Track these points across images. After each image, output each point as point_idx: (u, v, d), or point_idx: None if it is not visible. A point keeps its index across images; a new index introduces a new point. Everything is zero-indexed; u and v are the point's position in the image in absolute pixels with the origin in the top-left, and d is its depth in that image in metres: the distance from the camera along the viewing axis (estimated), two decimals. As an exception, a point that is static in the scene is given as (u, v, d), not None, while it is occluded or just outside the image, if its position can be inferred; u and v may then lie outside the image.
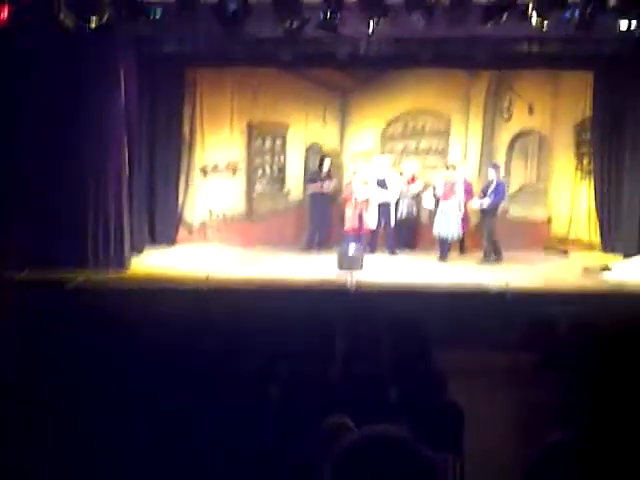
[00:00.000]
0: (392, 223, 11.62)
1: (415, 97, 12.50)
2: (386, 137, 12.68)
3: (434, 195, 11.34)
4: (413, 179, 12.06)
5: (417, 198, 12.13)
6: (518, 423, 5.40)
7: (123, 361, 5.01)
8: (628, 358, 5.60)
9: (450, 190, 11.07)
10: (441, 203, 11.16)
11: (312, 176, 12.03)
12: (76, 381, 4.55)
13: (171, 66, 11.68)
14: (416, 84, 12.37)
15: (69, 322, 6.23)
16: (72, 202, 9.97)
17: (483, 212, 11.02)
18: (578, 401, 4.80)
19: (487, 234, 10.99)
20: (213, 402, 4.27)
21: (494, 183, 10.98)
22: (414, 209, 12.09)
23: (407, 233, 12.14)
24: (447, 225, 11.03)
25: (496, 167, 11.27)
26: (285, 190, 12.78)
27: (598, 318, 6.94)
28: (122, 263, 10.14)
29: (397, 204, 11.83)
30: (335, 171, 12.04)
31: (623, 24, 8.36)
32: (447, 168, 11.34)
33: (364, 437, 2.02)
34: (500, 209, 11.79)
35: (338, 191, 12.06)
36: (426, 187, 11.94)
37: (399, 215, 11.87)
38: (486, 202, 10.91)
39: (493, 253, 10.96)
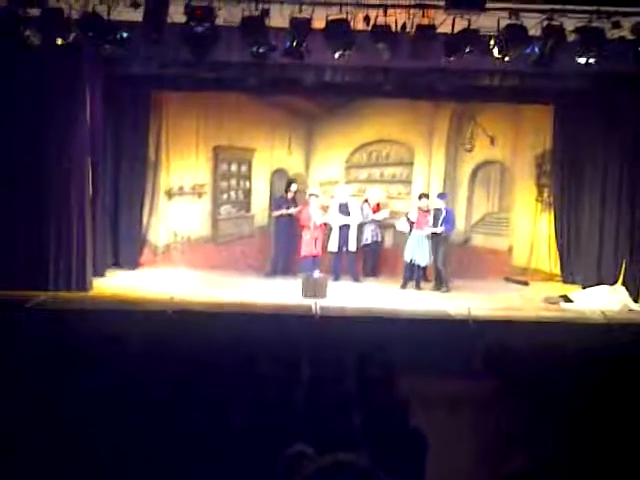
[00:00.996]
0: (353, 248, 11.67)
1: (379, 126, 12.65)
2: (350, 165, 12.80)
3: (407, 220, 11.44)
4: (378, 207, 12.15)
5: (382, 225, 12.21)
6: (481, 450, 5.42)
7: (83, 381, 4.93)
8: (588, 385, 5.68)
9: (424, 218, 11.19)
10: (414, 231, 11.25)
11: (278, 201, 12.06)
12: (36, 401, 4.47)
13: (137, 88, 11.67)
14: (380, 114, 12.53)
15: (28, 341, 6.12)
16: (34, 223, 9.84)
17: (435, 242, 11.12)
18: (539, 428, 4.85)
19: (440, 262, 11.11)
20: (174, 426, 4.22)
21: (443, 212, 11.13)
22: (379, 236, 12.17)
23: (372, 260, 12.21)
24: (421, 252, 11.12)
25: (444, 196, 11.45)
26: (250, 215, 12.80)
27: (558, 346, 7.04)
28: (84, 286, 10.01)
29: (362, 231, 11.91)
30: (300, 197, 12.09)
31: (581, 59, 8.60)
32: (420, 197, 11.45)
33: (324, 466, 2.02)
34: (462, 238, 11.93)
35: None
36: (392, 215, 12.05)
37: (364, 241, 11.94)
38: (440, 229, 11.03)
39: (443, 284, 11.06)
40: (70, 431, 4.15)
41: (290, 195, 11.87)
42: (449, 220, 11.16)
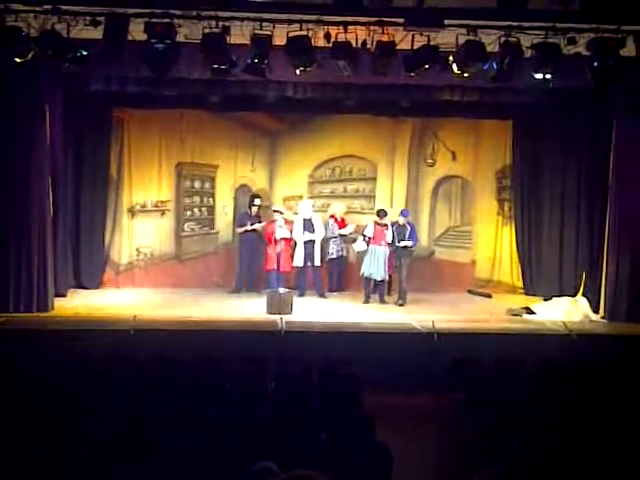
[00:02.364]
0: (318, 263, 11.69)
1: (342, 142, 12.73)
2: (314, 180, 12.84)
3: (364, 238, 11.48)
4: (344, 221, 12.19)
5: (346, 240, 12.23)
6: (445, 463, 5.45)
7: (46, 400, 4.86)
8: (550, 396, 5.75)
9: (381, 233, 11.25)
10: (371, 246, 11.31)
11: (242, 217, 12.02)
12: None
13: (98, 105, 11.55)
14: (343, 129, 12.62)
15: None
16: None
17: (402, 255, 11.22)
18: (503, 441, 4.88)
19: (404, 276, 11.20)
20: (138, 445, 4.18)
21: (408, 228, 11.27)
22: (344, 250, 12.18)
23: (337, 274, 12.24)
24: (377, 267, 11.18)
25: (407, 213, 11.58)
26: (214, 231, 12.74)
27: (521, 358, 7.11)
28: (45, 306, 9.83)
29: (328, 246, 11.95)
30: (264, 213, 12.07)
31: (538, 75, 8.77)
32: (378, 213, 11.51)
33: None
34: (426, 251, 12.05)
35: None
36: (357, 230, 12.09)
37: (329, 256, 11.99)
38: (409, 242, 11.15)
39: (403, 296, 11.19)
40: (34, 451, 4.09)
41: (254, 210, 11.84)
42: (413, 235, 11.30)
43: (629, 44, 8.61)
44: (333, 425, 4.99)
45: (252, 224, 11.78)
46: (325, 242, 11.98)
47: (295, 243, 11.70)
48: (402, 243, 11.15)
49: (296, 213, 12.07)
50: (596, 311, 10.44)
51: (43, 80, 9.65)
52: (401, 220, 11.34)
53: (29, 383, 5.43)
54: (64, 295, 10.90)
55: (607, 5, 8.15)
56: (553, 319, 10.10)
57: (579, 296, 10.86)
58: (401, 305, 11.06)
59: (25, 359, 6.34)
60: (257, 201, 11.89)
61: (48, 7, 8.16)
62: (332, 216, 12.23)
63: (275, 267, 11.35)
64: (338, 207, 12.37)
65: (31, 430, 4.34)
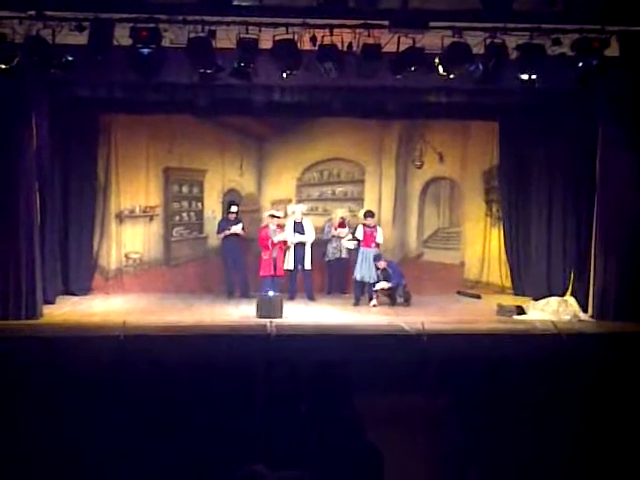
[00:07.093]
0: (308, 267, 11.67)
1: (330, 145, 12.77)
2: (302, 184, 12.86)
3: (354, 238, 11.51)
4: (341, 224, 12.16)
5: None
6: (436, 465, 5.45)
7: (34, 410, 4.83)
8: (540, 396, 5.77)
9: (370, 236, 11.28)
10: (361, 249, 11.32)
11: (222, 223, 12.00)
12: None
13: (85, 111, 11.56)
14: (330, 132, 12.66)
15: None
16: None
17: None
18: (493, 442, 4.90)
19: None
20: (129, 452, 4.17)
21: (389, 270, 11.21)
22: (342, 253, 12.10)
23: (338, 277, 12.23)
24: (368, 269, 11.19)
25: (380, 257, 11.32)
26: (203, 236, 12.73)
27: (511, 358, 7.12)
28: (34, 313, 9.76)
29: (326, 248, 12.01)
30: (246, 217, 12.03)
31: (524, 76, 8.81)
32: (365, 215, 11.52)
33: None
34: (415, 253, 12.07)
35: (250, 235, 12.00)
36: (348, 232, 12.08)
37: (326, 258, 12.01)
38: (389, 284, 11.16)
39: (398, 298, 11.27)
40: (23, 462, 4.07)
41: (232, 216, 11.83)
42: (396, 275, 11.25)
43: (613, 44, 8.68)
44: (323, 427, 4.99)
45: (231, 226, 11.75)
46: (323, 245, 12.00)
47: (287, 247, 11.68)
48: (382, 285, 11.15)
49: (286, 216, 12.06)
50: (585, 310, 10.49)
51: (29, 86, 9.61)
52: (381, 264, 11.27)
53: (18, 391, 5.40)
54: (53, 302, 10.85)
55: (591, 6, 8.20)
56: (542, 319, 10.14)
57: (568, 296, 10.90)
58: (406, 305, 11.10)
59: (14, 366, 6.30)
60: (233, 208, 11.89)
61: (32, 13, 8.14)
62: (330, 220, 12.26)
63: (270, 272, 11.25)
64: (339, 212, 12.35)
65: (20, 438, 4.32)
